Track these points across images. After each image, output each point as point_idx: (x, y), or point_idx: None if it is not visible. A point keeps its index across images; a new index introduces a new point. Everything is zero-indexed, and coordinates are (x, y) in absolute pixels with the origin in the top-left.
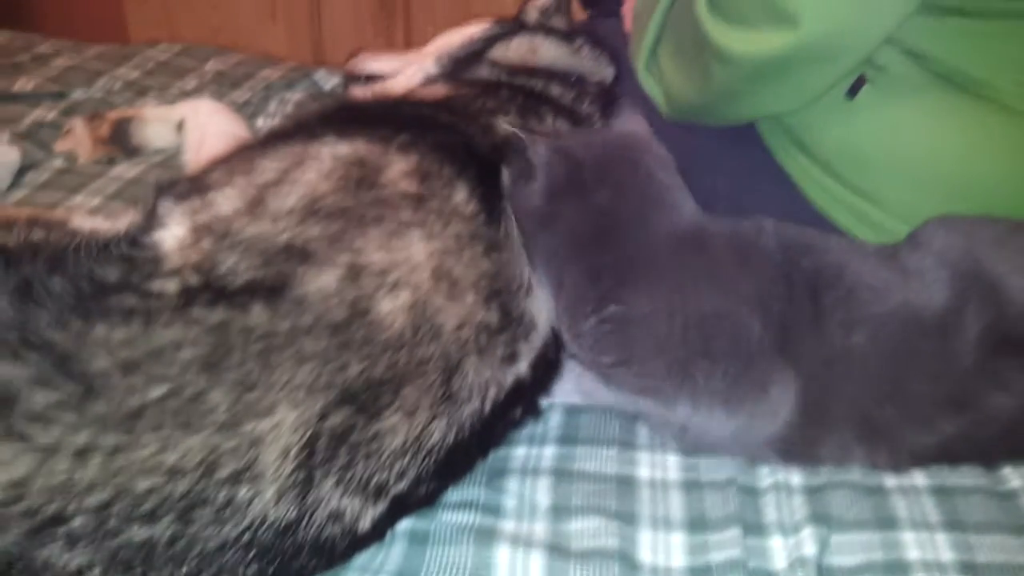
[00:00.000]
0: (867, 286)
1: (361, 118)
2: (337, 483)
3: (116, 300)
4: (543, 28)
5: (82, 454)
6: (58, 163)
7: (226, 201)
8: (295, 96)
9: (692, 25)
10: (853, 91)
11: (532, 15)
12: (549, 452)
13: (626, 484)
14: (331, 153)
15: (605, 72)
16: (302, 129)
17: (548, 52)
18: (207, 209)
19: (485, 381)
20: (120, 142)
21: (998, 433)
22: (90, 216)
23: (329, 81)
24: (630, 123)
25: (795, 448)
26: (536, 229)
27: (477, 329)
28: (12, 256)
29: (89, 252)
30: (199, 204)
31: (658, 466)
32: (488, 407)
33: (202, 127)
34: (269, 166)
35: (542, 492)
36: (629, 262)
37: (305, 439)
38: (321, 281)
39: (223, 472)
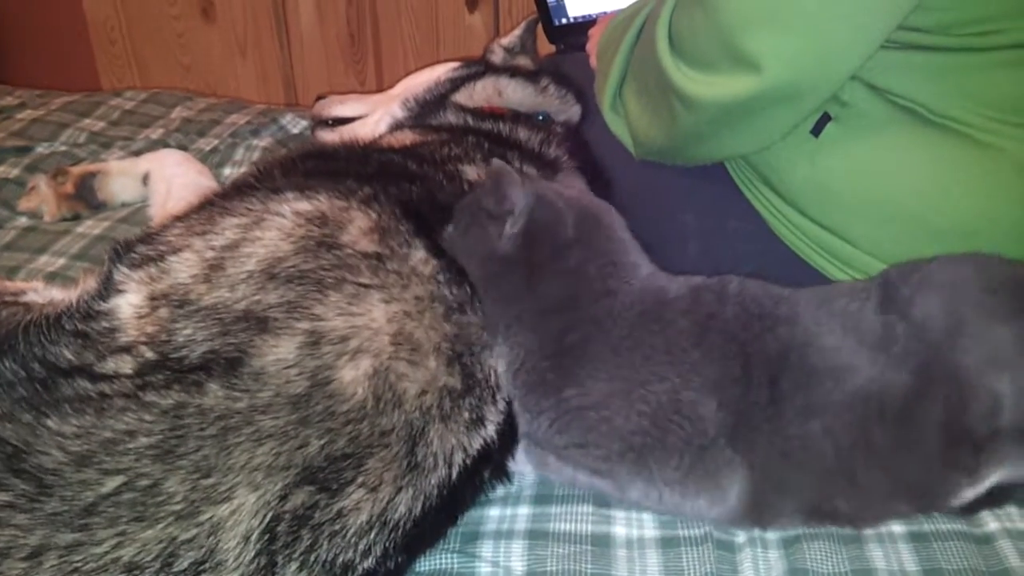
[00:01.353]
0: (829, 369)
1: (325, 169)
2: (301, 567)
3: (68, 387)
4: (508, 69)
5: (35, 555)
6: (22, 221)
7: (184, 267)
8: (262, 142)
9: (655, 68)
10: (818, 129)
11: (498, 54)
12: (523, 512)
13: (602, 544)
14: (292, 210)
15: (572, 111)
16: (264, 181)
17: (514, 94)
18: (164, 276)
19: (451, 447)
20: (85, 198)
21: (957, 509)
22: (46, 287)
23: (297, 125)
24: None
25: (745, 523)
26: (494, 276)
27: (440, 394)
28: None
29: (41, 331)
30: (155, 271)
31: (634, 523)
32: (455, 473)
33: (168, 180)
34: (229, 224)
35: (516, 557)
36: (590, 340)
37: (266, 523)
38: (280, 351)
39: (182, 564)
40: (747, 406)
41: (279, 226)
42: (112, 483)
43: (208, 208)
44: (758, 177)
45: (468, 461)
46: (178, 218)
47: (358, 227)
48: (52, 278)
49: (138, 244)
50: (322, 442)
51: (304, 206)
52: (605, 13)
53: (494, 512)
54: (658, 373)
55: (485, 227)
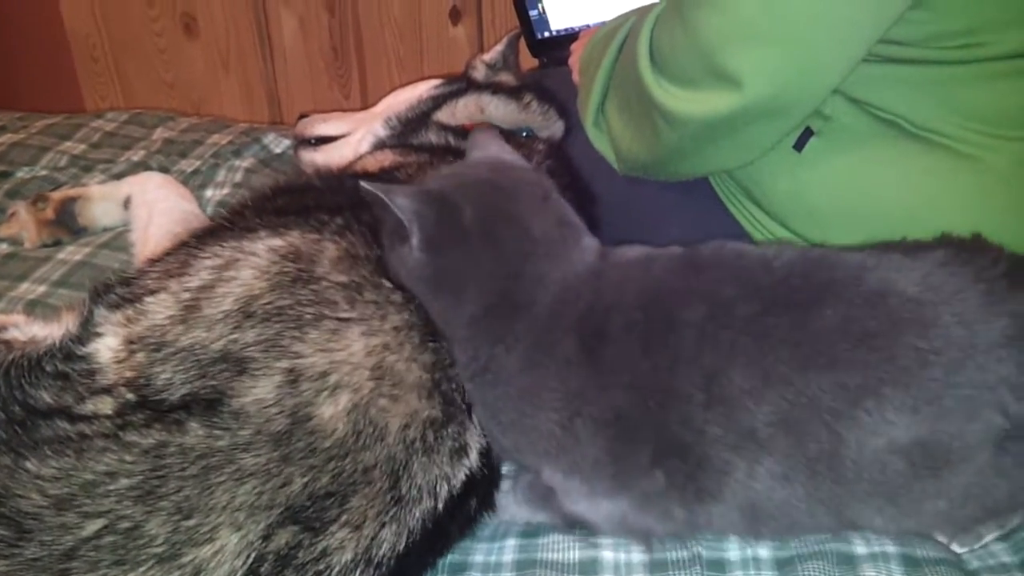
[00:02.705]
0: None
1: (298, 204)
2: None
3: (48, 428)
4: (491, 86)
5: None
6: (3, 248)
7: (160, 308)
8: (244, 163)
9: (636, 84)
10: (800, 143)
11: (480, 71)
12: (511, 543)
13: (590, 570)
14: (266, 247)
15: (555, 127)
16: (238, 221)
17: (496, 111)
18: (141, 318)
19: (435, 479)
20: (66, 223)
21: None
22: (27, 322)
23: (279, 144)
24: (489, 147)
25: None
26: (423, 296)
27: (423, 427)
28: None
29: (22, 372)
30: (133, 313)
31: (622, 547)
32: (440, 505)
33: (149, 204)
34: (204, 265)
35: None
36: (494, 360)
37: (249, 564)
38: (259, 391)
39: None
40: (678, 431)
41: (254, 265)
42: (93, 526)
43: (183, 250)
44: (742, 191)
45: (454, 492)
46: (154, 261)
47: (329, 257)
48: (33, 306)
49: (117, 286)
50: (305, 480)
51: (277, 243)
52: (588, 27)
53: (482, 544)
54: (598, 391)
55: (396, 248)
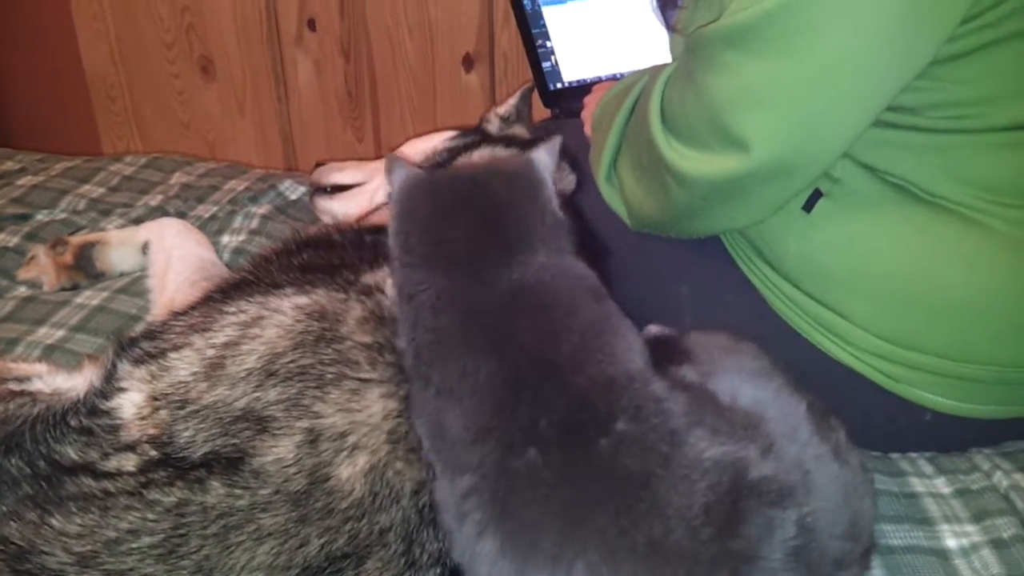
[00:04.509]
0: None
1: (322, 260)
2: None
3: (72, 484)
4: (504, 139)
5: None
6: (22, 291)
7: (184, 365)
8: (260, 210)
9: (647, 142)
10: (809, 205)
11: (493, 123)
12: None
13: None
14: (291, 305)
15: (566, 180)
16: (263, 276)
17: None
18: (165, 374)
19: (440, 549)
20: (84, 268)
21: None
22: (49, 372)
23: (295, 191)
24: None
25: None
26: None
27: (432, 496)
28: None
29: (47, 427)
30: (156, 369)
31: None
32: (449, 572)
33: (167, 250)
34: (229, 321)
35: None
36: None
37: None
38: (279, 450)
39: None
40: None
41: (278, 322)
42: None
43: (208, 304)
44: (752, 250)
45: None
46: (179, 314)
47: (355, 317)
48: (51, 350)
49: (141, 340)
50: (322, 541)
51: (303, 300)
52: (599, 79)
53: None
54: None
55: None
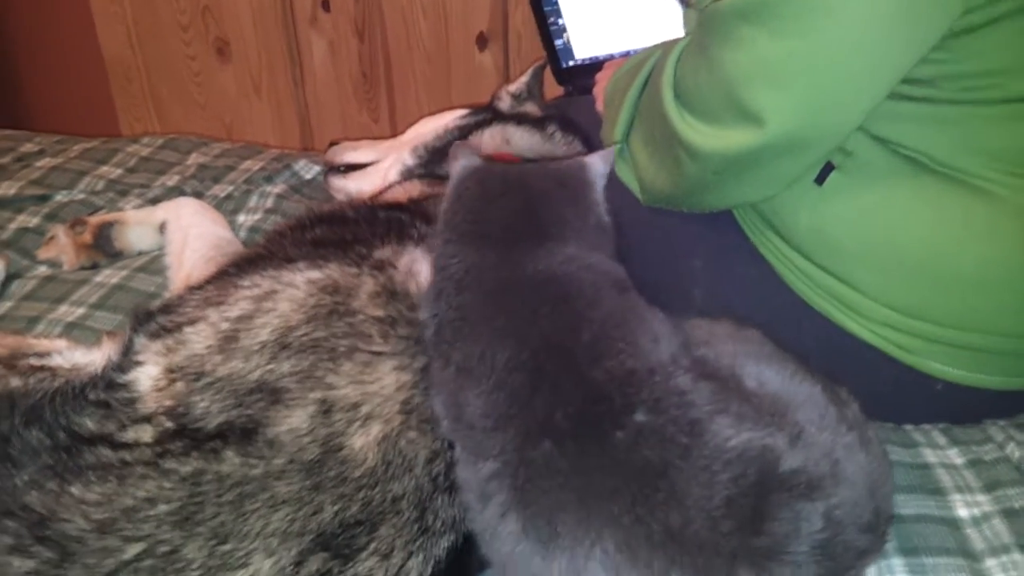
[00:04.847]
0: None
1: (335, 234)
2: None
3: (91, 455)
4: (515, 116)
5: None
6: (42, 270)
7: (199, 338)
8: (276, 189)
9: (660, 117)
10: (821, 177)
11: (505, 101)
12: None
13: None
14: (304, 279)
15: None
16: (277, 251)
17: (521, 141)
18: (181, 348)
19: (455, 516)
20: (103, 247)
21: None
22: (69, 347)
23: (310, 171)
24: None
25: None
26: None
27: (447, 464)
28: None
29: (67, 400)
30: (173, 342)
31: None
32: (462, 540)
33: (184, 229)
34: (243, 295)
35: None
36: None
37: None
38: (293, 420)
39: None
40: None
41: (291, 296)
42: (133, 550)
43: (223, 279)
44: (764, 223)
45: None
46: (195, 288)
47: (367, 291)
48: (71, 328)
49: (158, 314)
50: (335, 508)
51: (316, 275)
52: (612, 56)
53: None
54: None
55: None
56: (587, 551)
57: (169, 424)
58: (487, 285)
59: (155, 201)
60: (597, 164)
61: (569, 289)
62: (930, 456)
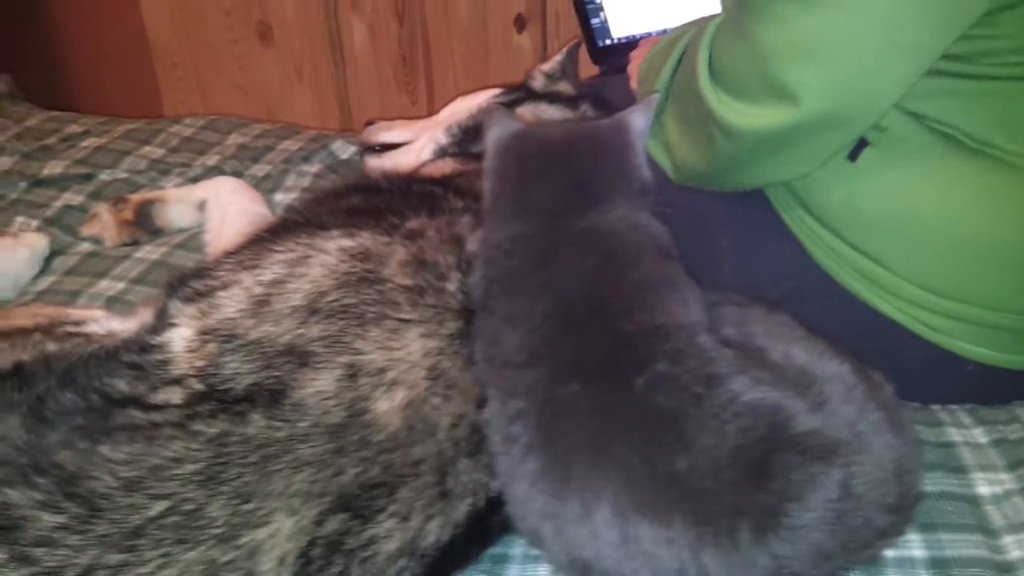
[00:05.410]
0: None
1: (369, 204)
2: None
3: (122, 416)
4: (548, 95)
5: (86, 575)
6: (85, 246)
7: (232, 302)
8: (313, 168)
9: (695, 95)
10: (854, 154)
11: (538, 80)
12: None
13: None
14: (337, 246)
15: None
16: (312, 218)
17: (553, 120)
18: (214, 311)
19: (478, 479)
20: (144, 224)
21: None
22: (106, 316)
23: (346, 151)
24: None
25: None
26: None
27: (470, 428)
28: (27, 374)
29: (100, 363)
30: (206, 306)
31: None
32: (483, 504)
33: (222, 207)
34: (276, 260)
35: None
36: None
37: (301, 547)
38: (319, 383)
39: None
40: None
41: (323, 263)
42: (158, 507)
43: (258, 243)
44: (795, 200)
45: (492, 494)
46: (230, 252)
47: (398, 260)
48: (112, 302)
49: (192, 279)
50: (357, 471)
51: (348, 243)
52: (649, 35)
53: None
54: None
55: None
56: (597, 492)
57: (199, 386)
58: (535, 247)
59: (195, 180)
60: (639, 122)
61: (613, 248)
62: (954, 435)
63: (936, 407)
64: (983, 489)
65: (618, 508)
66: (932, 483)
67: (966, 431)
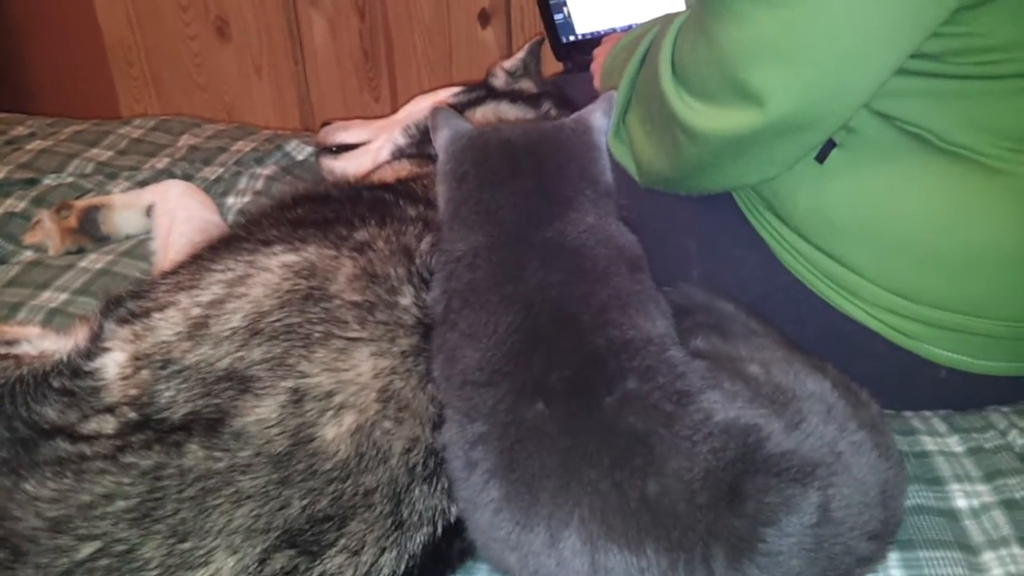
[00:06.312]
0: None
1: (316, 215)
2: None
3: (48, 448)
4: (509, 94)
5: None
6: (28, 255)
7: (168, 324)
8: (266, 171)
9: (658, 96)
10: (822, 155)
11: (500, 78)
12: None
13: None
14: (280, 263)
15: None
16: (255, 232)
17: (515, 120)
18: (149, 334)
19: (435, 505)
20: (89, 231)
21: None
22: (40, 335)
23: (302, 151)
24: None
25: None
26: None
27: (425, 453)
28: None
29: (28, 389)
30: (141, 328)
31: None
32: (440, 531)
33: (171, 213)
34: (216, 279)
35: None
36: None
37: None
38: (262, 410)
39: None
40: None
41: (265, 281)
42: (87, 549)
43: (197, 262)
44: (762, 203)
45: (451, 520)
46: (169, 272)
47: (345, 274)
48: (54, 315)
49: (127, 299)
50: (304, 503)
51: (292, 258)
52: (614, 31)
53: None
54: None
55: None
56: (565, 518)
57: (132, 415)
58: (499, 260)
59: (144, 184)
60: (600, 120)
61: (583, 263)
62: (929, 444)
63: (909, 413)
64: (961, 502)
65: (587, 536)
66: (908, 496)
67: (941, 439)
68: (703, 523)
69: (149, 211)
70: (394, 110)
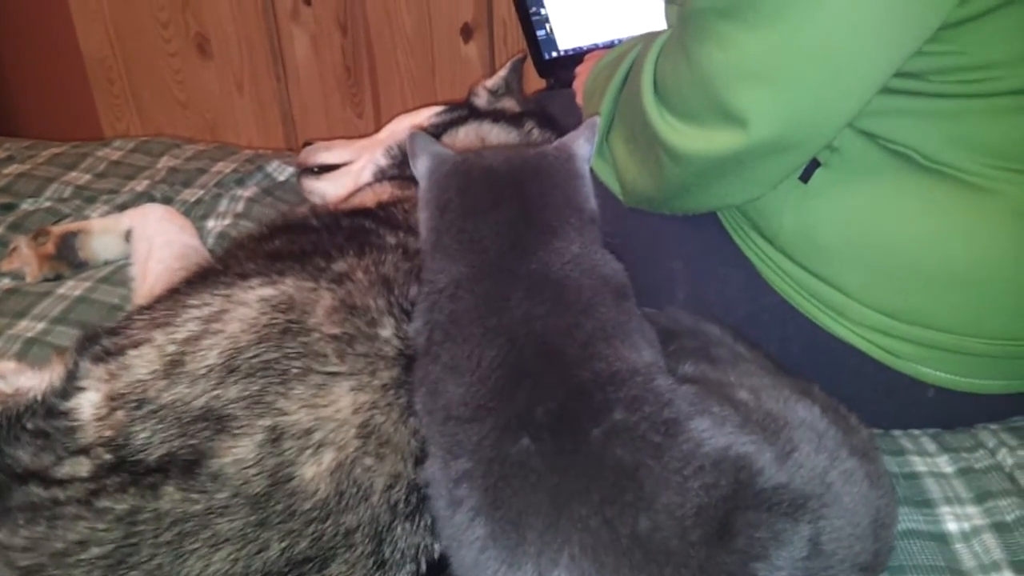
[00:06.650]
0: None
1: (293, 246)
2: None
3: (21, 494)
4: (491, 113)
5: None
6: (5, 283)
7: (143, 363)
8: (247, 192)
9: (641, 116)
10: (806, 175)
11: (482, 97)
12: None
13: None
14: (257, 297)
15: None
16: (232, 266)
17: (497, 139)
18: (123, 373)
19: (418, 543)
20: (67, 257)
21: None
22: (16, 370)
23: (283, 172)
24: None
25: None
26: None
27: (407, 489)
28: None
29: (2, 429)
30: (115, 367)
31: None
32: (424, 568)
33: (150, 238)
34: (191, 315)
35: None
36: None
37: None
38: (239, 451)
39: None
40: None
41: (241, 316)
42: None
43: (173, 296)
44: (747, 223)
45: (435, 557)
46: (144, 308)
47: (324, 307)
48: (31, 344)
49: (103, 336)
50: (283, 545)
51: (269, 292)
52: (596, 47)
53: None
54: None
55: None
56: (554, 556)
57: (107, 456)
58: (482, 291)
59: (123, 207)
60: (584, 148)
61: (568, 294)
62: (919, 464)
63: (898, 432)
64: (951, 525)
65: (578, 574)
66: (899, 520)
67: (930, 459)
68: (695, 560)
69: (128, 236)
70: (377, 126)
